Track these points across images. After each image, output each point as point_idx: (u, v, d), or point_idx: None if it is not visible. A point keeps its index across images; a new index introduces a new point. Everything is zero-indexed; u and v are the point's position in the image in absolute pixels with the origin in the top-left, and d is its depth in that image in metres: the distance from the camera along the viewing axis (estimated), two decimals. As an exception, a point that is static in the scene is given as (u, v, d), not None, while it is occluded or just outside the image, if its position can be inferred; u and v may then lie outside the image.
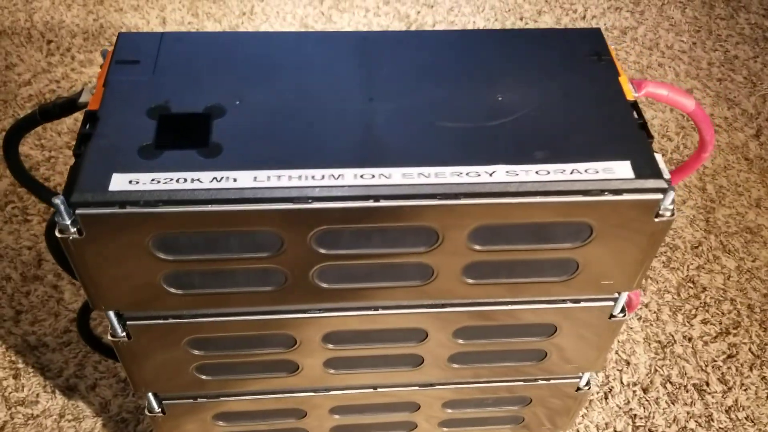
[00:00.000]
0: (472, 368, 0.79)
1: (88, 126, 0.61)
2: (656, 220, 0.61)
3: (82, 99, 0.66)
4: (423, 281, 0.66)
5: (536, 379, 0.82)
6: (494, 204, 0.58)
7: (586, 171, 0.58)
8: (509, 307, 0.70)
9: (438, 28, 1.75)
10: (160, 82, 0.64)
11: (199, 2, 1.78)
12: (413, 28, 1.75)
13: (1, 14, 1.73)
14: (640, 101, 1.58)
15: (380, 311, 0.69)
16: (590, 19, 1.80)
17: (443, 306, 0.70)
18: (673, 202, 0.60)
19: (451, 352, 0.76)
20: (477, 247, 0.62)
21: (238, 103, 0.63)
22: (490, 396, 0.84)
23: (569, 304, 0.70)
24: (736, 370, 1.20)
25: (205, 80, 0.64)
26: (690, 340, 1.23)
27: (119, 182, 0.56)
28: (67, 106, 0.68)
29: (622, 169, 0.58)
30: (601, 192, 0.58)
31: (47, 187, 0.74)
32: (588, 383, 0.84)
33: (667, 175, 0.59)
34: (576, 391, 0.84)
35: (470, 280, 0.66)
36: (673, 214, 0.61)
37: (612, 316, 0.72)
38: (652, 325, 1.24)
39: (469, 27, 1.76)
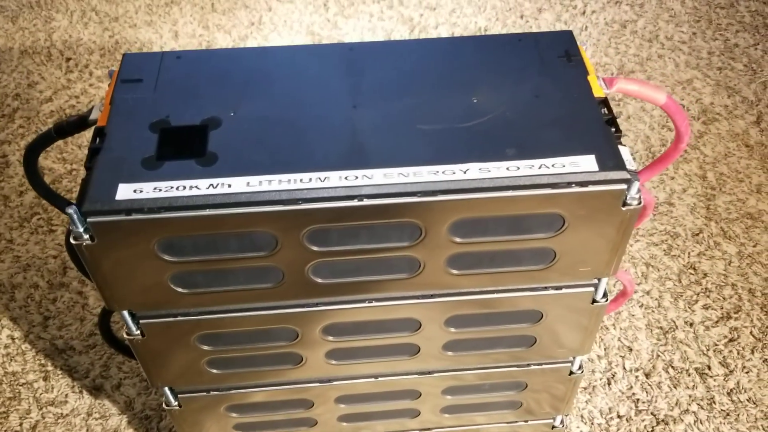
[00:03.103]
0: (466, 355, 0.83)
1: (97, 141, 0.67)
2: (624, 209, 0.65)
3: (93, 116, 0.71)
4: (411, 273, 0.71)
5: (529, 365, 0.86)
6: (469, 199, 0.63)
7: (553, 165, 0.63)
8: (495, 295, 0.75)
9: (441, 29, 1.79)
10: (161, 98, 0.69)
11: (210, 15, 1.85)
12: (416, 30, 1.79)
13: (22, 35, 1.81)
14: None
15: (374, 303, 0.74)
16: (590, 14, 1.83)
17: (432, 296, 0.74)
18: (638, 191, 0.64)
19: (444, 340, 0.80)
20: (458, 240, 0.67)
21: (232, 114, 0.68)
22: (487, 382, 0.89)
23: (552, 291, 0.75)
24: (738, 353, 1.22)
25: (202, 94, 0.70)
26: (691, 325, 1.26)
27: (125, 192, 0.61)
28: (79, 123, 0.73)
29: (587, 163, 0.63)
30: (568, 184, 0.62)
31: (66, 199, 0.80)
32: (580, 367, 0.88)
33: (631, 166, 0.63)
34: (569, 375, 0.88)
35: (455, 271, 0.71)
36: (640, 203, 0.65)
37: (594, 301, 0.77)
38: (653, 311, 1.28)
39: (471, 27, 1.80)
